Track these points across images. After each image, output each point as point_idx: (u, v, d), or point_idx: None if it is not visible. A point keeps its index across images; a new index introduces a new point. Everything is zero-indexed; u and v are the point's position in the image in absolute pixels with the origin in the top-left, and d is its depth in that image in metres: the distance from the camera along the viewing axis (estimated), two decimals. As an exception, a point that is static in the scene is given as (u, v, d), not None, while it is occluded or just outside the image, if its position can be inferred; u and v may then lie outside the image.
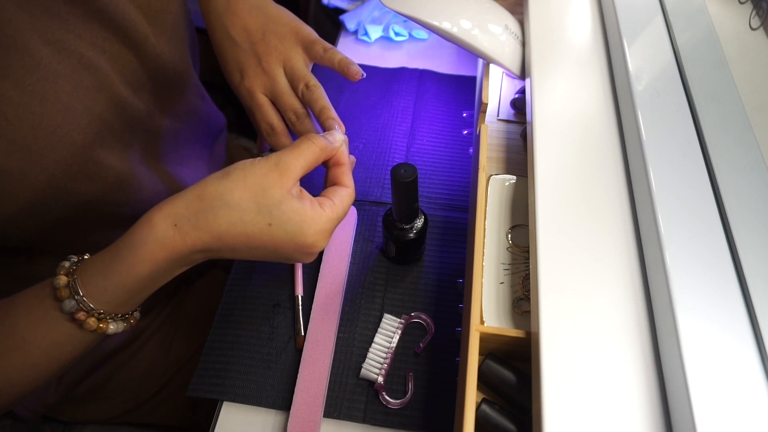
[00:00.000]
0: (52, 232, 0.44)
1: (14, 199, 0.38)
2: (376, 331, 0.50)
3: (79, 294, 0.35)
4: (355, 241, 0.56)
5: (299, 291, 0.52)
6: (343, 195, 0.42)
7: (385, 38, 0.78)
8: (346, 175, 0.43)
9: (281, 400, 0.47)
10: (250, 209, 0.37)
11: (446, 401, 0.46)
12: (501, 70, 0.61)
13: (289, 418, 0.44)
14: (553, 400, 0.30)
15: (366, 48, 0.77)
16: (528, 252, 0.48)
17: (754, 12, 0.40)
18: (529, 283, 0.45)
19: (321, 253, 0.54)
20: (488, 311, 0.44)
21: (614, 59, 0.46)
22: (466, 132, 0.66)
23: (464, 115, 0.68)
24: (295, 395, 0.46)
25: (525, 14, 0.54)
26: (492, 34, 0.52)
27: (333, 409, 0.46)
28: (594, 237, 0.37)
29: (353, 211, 0.57)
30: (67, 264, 0.37)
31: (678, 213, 0.34)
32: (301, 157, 0.39)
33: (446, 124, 0.66)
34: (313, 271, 0.54)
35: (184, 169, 0.60)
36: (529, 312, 0.44)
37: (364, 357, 0.48)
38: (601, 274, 0.35)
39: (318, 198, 0.40)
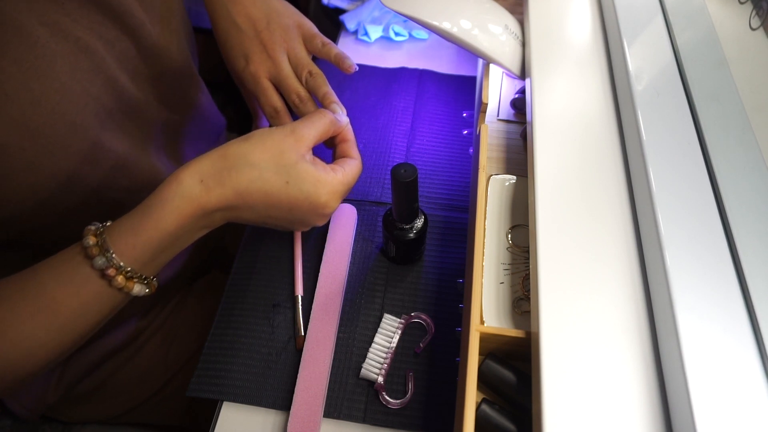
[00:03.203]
0: (53, 217, 0.44)
1: (14, 177, 0.38)
2: (376, 331, 0.50)
3: (109, 251, 0.37)
4: (355, 241, 0.56)
5: (299, 291, 0.52)
6: (352, 164, 0.46)
7: (385, 38, 0.78)
8: (352, 149, 0.48)
9: (281, 400, 0.47)
10: (269, 168, 0.40)
11: (446, 401, 0.46)
12: (501, 70, 0.61)
13: (289, 418, 0.44)
14: (553, 400, 0.30)
15: (366, 48, 0.77)
16: (528, 252, 0.48)
17: (754, 12, 0.40)
18: (529, 283, 0.45)
19: (321, 253, 0.54)
20: (488, 311, 0.44)
21: (614, 59, 0.46)
22: (466, 132, 0.66)
23: (464, 115, 0.68)
24: (295, 395, 0.46)
25: (525, 14, 0.54)
26: (492, 34, 0.52)
27: (333, 409, 0.46)
28: (594, 237, 0.37)
29: (353, 210, 0.57)
30: (92, 228, 0.38)
31: (678, 213, 0.34)
32: (313, 128, 0.44)
33: (446, 124, 0.66)
34: (313, 271, 0.54)
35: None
36: (529, 312, 0.44)
37: (364, 357, 0.48)
38: (601, 274, 0.35)
39: (330, 165, 0.44)
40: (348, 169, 0.45)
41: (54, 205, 0.43)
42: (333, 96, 0.51)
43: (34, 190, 0.40)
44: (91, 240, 0.37)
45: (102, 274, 0.37)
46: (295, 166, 0.41)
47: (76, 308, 0.38)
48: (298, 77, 0.53)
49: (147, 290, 0.40)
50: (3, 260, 0.46)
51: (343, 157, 0.47)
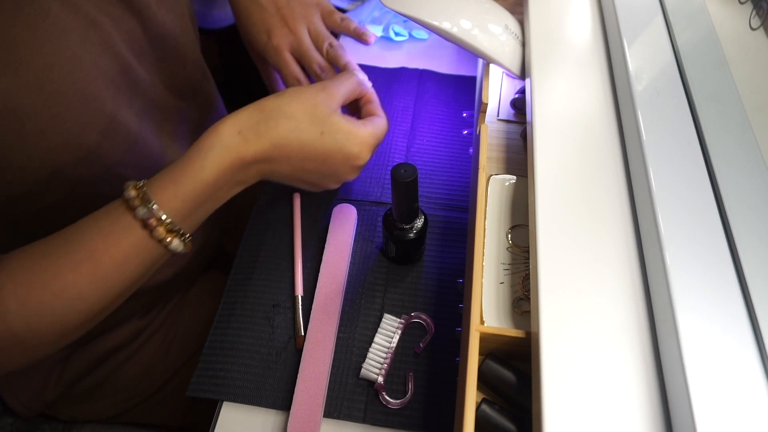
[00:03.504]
0: (64, 193, 0.45)
1: (27, 143, 0.39)
2: (376, 331, 0.50)
3: (150, 202, 0.38)
4: (355, 241, 0.56)
5: (299, 291, 0.52)
6: (380, 120, 0.49)
7: (385, 38, 0.78)
8: (378, 108, 0.51)
9: (281, 400, 0.47)
10: (305, 119, 0.43)
11: (446, 401, 0.46)
12: (501, 70, 0.61)
13: (289, 418, 0.44)
14: (553, 400, 0.30)
15: (366, 48, 0.77)
16: (528, 252, 0.48)
17: (754, 12, 0.40)
18: (529, 283, 0.45)
19: (321, 253, 0.54)
20: (488, 311, 0.44)
21: (614, 59, 0.46)
22: (466, 132, 0.66)
23: (464, 115, 0.68)
24: (295, 395, 0.46)
25: (525, 14, 0.54)
26: (492, 34, 0.52)
27: (333, 409, 0.46)
28: (594, 237, 0.37)
29: (353, 211, 0.57)
30: (132, 182, 0.39)
31: (678, 213, 0.34)
32: (342, 86, 0.47)
33: (446, 124, 0.66)
34: (313, 271, 0.54)
35: None
36: (529, 312, 0.44)
37: (364, 357, 0.48)
38: (601, 274, 0.35)
39: (359, 120, 0.47)
40: (377, 124, 0.48)
41: (66, 178, 0.43)
42: (354, 65, 0.54)
43: (46, 158, 0.40)
44: (132, 192, 0.38)
45: (144, 224, 0.38)
46: (329, 118, 0.43)
47: (117, 259, 0.38)
48: (319, 50, 0.56)
49: (183, 248, 0.41)
50: (17, 241, 0.47)
51: (370, 115, 0.50)
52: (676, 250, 0.32)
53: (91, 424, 0.67)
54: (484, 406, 0.37)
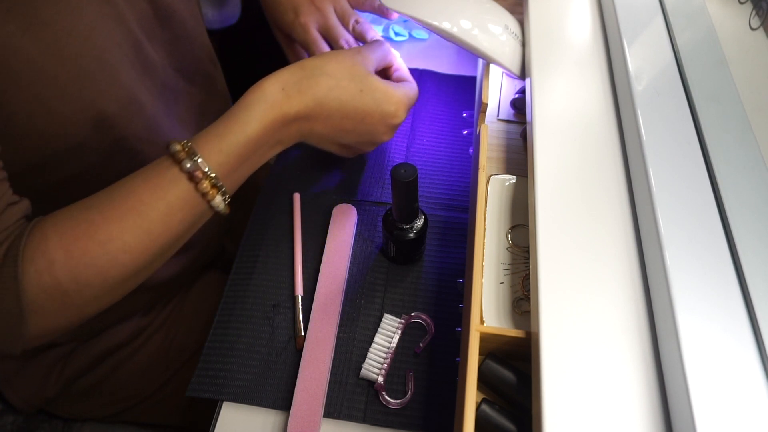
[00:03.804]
0: (82, 164, 0.45)
1: (47, 105, 0.39)
2: (376, 331, 0.50)
3: (195, 154, 0.39)
4: (355, 241, 0.56)
5: (299, 291, 0.52)
6: (411, 85, 0.51)
7: (385, 38, 0.78)
8: (408, 75, 0.54)
9: (281, 400, 0.47)
10: (345, 77, 0.44)
11: (446, 401, 0.46)
12: (501, 70, 0.61)
13: (289, 418, 0.44)
14: (553, 400, 0.30)
15: (366, 48, 0.77)
16: (528, 252, 0.48)
17: (754, 12, 0.40)
18: (529, 283, 0.45)
19: (321, 253, 0.54)
20: (488, 311, 0.44)
21: (614, 59, 0.46)
22: (466, 132, 0.66)
23: (464, 115, 0.68)
24: (295, 395, 0.46)
25: (525, 14, 0.54)
26: (492, 34, 0.51)
27: (333, 409, 0.46)
28: (594, 237, 0.37)
29: (353, 211, 0.57)
30: (175, 140, 0.39)
31: (678, 213, 0.34)
32: (376, 51, 0.50)
33: (446, 124, 0.66)
34: (313, 271, 0.54)
35: None
36: (529, 312, 0.44)
37: (364, 357, 0.48)
38: (601, 274, 0.35)
39: (394, 82, 0.49)
40: (409, 87, 0.50)
41: (84, 148, 0.43)
42: (381, 38, 0.56)
43: (65, 124, 0.41)
44: (177, 146, 0.38)
45: (190, 176, 0.38)
46: (367, 77, 0.46)
47: (162, 212, 0.38)
48: (345, 26, 0.58)
49: (223, 207, 0.41)
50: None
51: (401, 81, 0.52)
52: (676, 250, 0.32)
53: (90, 423, 0.67)
54: (484, 406, 0.37)
